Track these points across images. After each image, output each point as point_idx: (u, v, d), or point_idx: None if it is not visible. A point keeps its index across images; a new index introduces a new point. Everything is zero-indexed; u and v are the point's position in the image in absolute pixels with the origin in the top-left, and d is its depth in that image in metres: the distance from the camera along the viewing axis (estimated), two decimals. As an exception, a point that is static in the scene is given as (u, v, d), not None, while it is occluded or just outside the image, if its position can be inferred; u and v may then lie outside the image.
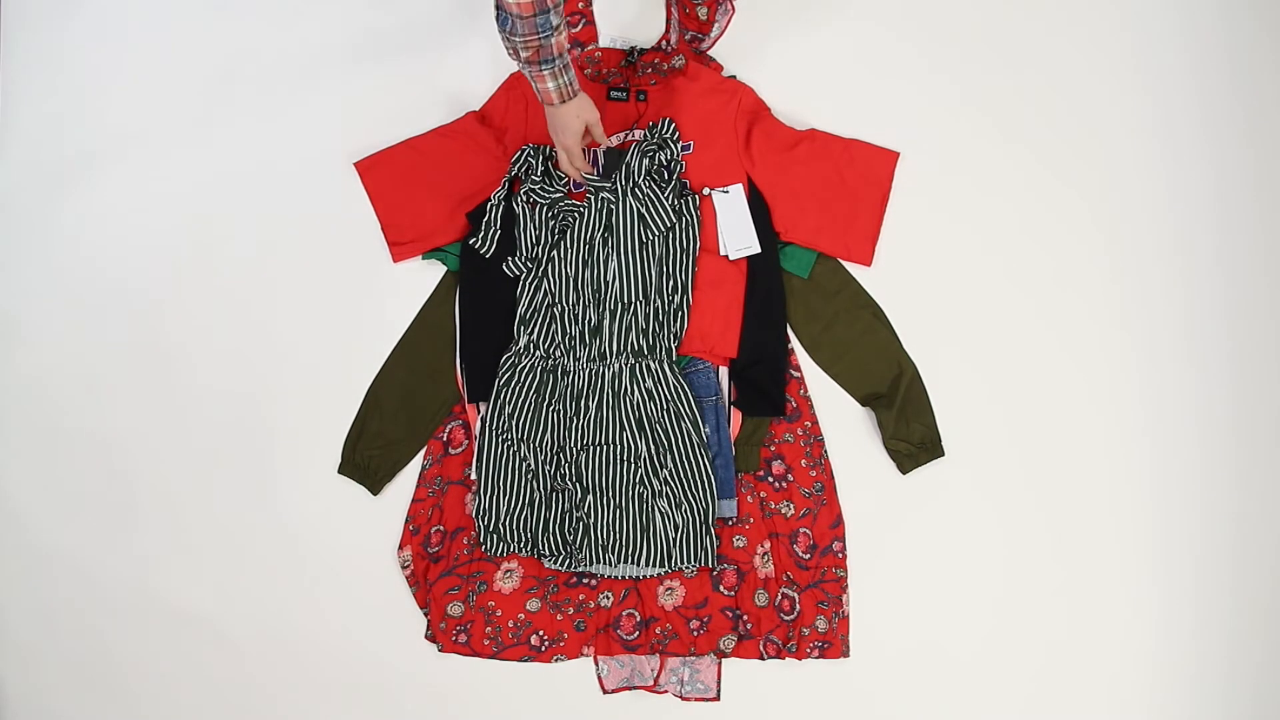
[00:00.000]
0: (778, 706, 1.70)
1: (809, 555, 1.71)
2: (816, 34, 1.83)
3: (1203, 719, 1.70)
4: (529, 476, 1.68)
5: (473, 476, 1.70)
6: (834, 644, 1.68)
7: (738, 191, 1.73)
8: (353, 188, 1.82)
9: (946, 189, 1.79)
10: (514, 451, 1.68)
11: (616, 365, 1.67)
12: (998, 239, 1.79)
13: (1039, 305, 1.77)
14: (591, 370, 1.68)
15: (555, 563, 1.67)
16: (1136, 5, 1.83)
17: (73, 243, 1.85)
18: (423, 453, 1.76)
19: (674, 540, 1.65)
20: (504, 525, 1.67)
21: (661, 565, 1.66)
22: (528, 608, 1.69)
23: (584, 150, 1.68)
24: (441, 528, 1.73)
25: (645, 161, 1.71)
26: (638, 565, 1.66)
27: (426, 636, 1.72)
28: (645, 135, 1.73)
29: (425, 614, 1.72)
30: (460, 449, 1.74)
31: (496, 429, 1.69)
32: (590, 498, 1.65)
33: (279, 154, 1.84)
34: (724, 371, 1.73)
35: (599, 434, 1.67)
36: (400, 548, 1.73)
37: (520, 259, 1.71)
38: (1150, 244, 1.78)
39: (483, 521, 1.67)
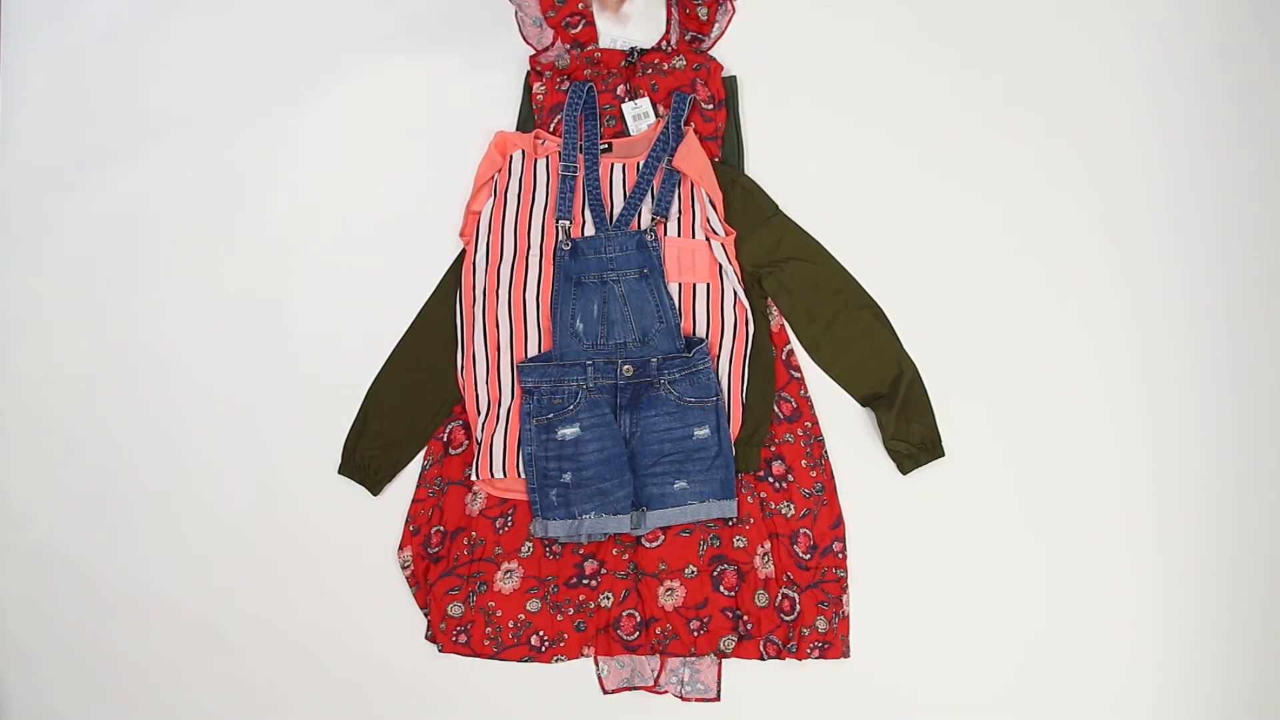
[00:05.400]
0: (778, 706, 1.70)
1: (809, 555, 1.71)
2: (815, 35, 1.83)
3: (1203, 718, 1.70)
4: None
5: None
6: (834, 644, 1.68)
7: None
8: (351, 188, 1.82)
9: (946, 189, 1.80)
10: None
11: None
12: (998, 239, 1.79)
13: (1039, 305, 1.77)
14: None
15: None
16: (1136, 4, 1.83)
17: (73, 243, 1.85)
18: (423, 453, 1.76)
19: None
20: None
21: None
22: (528, 608, 1.69)
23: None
24: (442, 528, 1.73)
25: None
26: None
27: (426, 637, 1.72)
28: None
29: (425, 614, 1.71)
30: (460, 449, 1.74)
31: None
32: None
33: (279, 154, 1.84)
34: (724, 371, 1.72)
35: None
36: (400, 548, 1.73)
37: None
38: (1149, 244, 1.78)
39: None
